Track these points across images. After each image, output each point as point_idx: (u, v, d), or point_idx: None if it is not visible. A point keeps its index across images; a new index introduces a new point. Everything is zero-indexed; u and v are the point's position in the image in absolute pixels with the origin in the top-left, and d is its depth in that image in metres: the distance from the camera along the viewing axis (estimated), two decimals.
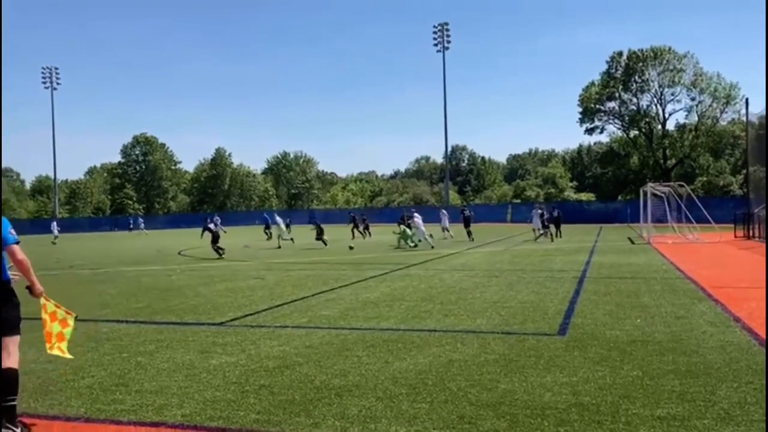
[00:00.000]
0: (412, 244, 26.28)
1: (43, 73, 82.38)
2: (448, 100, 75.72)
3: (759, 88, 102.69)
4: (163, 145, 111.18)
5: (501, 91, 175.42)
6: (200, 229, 28.91)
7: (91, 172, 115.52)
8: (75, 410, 5.18)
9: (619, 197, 76.78)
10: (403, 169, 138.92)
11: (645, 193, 31.29)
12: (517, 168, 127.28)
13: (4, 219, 4.78)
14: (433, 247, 25.14)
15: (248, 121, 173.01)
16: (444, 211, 34.27)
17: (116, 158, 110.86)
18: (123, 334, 8.52)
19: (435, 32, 74.54)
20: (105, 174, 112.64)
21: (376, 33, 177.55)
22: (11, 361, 4.64)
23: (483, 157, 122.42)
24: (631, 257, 19.30)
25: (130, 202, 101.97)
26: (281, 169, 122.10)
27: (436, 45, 74.54)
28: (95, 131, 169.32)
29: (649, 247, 24.15)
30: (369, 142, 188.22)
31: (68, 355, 5.34)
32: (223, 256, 22.96)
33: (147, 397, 5.50)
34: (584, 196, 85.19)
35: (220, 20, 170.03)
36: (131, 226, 66.76)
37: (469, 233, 31.45)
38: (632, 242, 27.85)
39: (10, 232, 4.79)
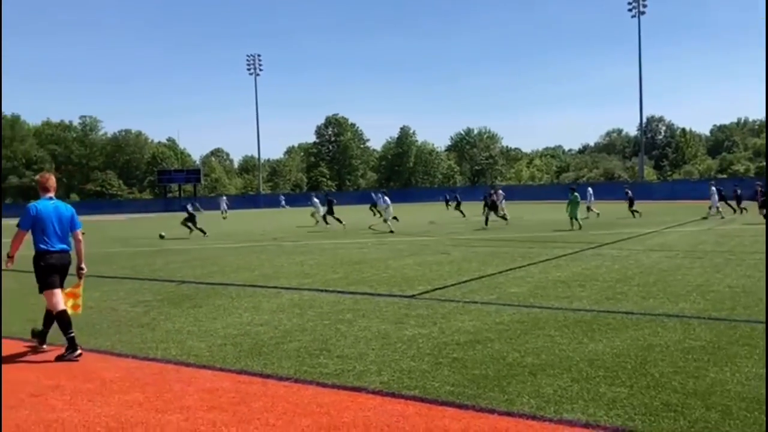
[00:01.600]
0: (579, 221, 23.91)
1: (247, 60, 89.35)
2: (643, 69, 70.62)
3: None
4: (353, 125, 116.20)
5: (703, 53, 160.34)
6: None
7: (289, 151, 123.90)
8: (285, 371, 5.65)
9: None
10: (592, 143, 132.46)
11: None
12: (722, 140, 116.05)
13: (73, 209, 6.90)
14: (392, 232, 23.98)
15: (432, 99, 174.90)
16: (714, 188, 31.37)
17: (311, 138, 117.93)
18: (323, 302, 9.12)
19: None
20: (302, 153, 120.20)
21: None
22: (64, 306, 6.60)
23: (683, 129, 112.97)
24: None
25: (324, 179, 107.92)
26: (464, 145, 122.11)
27: (630, 10, 69.84)
28: (293, 113, 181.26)
29: None
30: (555, 116, 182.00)
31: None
32: (191, 232, 25.28)
33: (348, 362, 5.85)
34: None
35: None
36: (282, 203, 70.56)
37: (633, 213, 30.41)
38: None
39: (78, 220, 6.93)
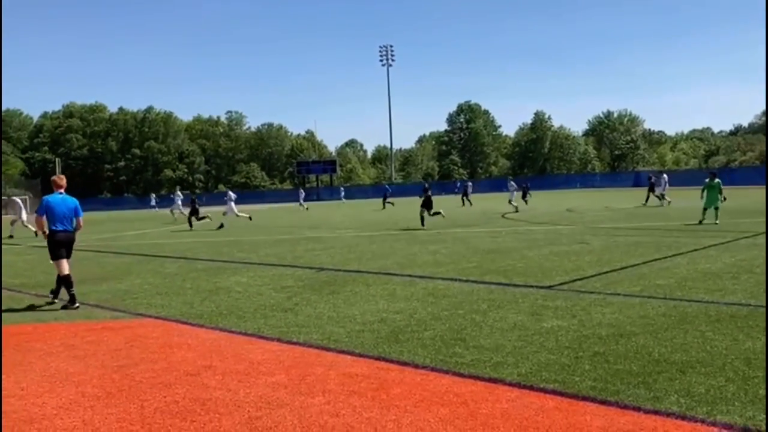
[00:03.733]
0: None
1: (380, 51, 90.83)
2: None
3: None
4: (485, 111, 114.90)
5: None
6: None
7: (421, 140, 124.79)
8: (422, 359, 5.72)
9: None
10: (746, 124, 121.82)
11: None
12: None
13: (77, 201, 9.32)
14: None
15: (567, 82, 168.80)
16: (665, 176, 32.70)
17: (443, 126, 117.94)
18: (457, 291, 9.12)
19: None
20: (433, 142, 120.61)
21: None
22: (68, 270, 9.01)
23: None
24: None
25: (456, 167, 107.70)
26: (603, 129, 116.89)
27: None
28: (425, 102, 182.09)
29: None
30: (702, 94, 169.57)
31: None
32: (192, 227, 26.20)
33: (484, 353, 5.82)
34: None
35: None
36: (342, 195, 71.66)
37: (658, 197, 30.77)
38: None
39: (81, 210, 9.42)
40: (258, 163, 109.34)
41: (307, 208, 47.93)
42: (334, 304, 8.54)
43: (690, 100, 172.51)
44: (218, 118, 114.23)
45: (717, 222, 19.25)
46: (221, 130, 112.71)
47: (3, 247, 19.02)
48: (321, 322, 7.39)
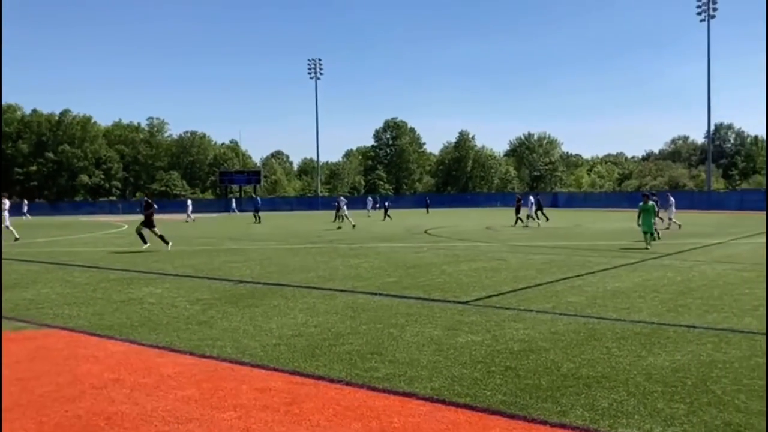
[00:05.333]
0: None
1: (308, 64, 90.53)
2: (711, 73, 68.16)
3: None
4: (412, 129, 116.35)
5: None
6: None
7: (347, 154, 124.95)
8: (337, 373, 5.69)
9: None
10: (657, 150, 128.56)
11: None
12: None
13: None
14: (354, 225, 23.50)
15: (491, 104, 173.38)
16: (532, 198, 34.79)
17: (370, 142, 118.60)
18: (377, 305, 9.15)
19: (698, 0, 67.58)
20: (360, 156, 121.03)
21: (627, 2, 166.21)
22: None
23: (754, 136, 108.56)
24: None
25: (381, 182, 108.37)
26: (524, 150, 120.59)
27: (699, 14, 67.64)
28: (352, 118, 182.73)
29: None
30: (618, 121, 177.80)
31: None
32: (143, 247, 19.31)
33: (399, 367, 5.85)
34: None
35: (461, 3, 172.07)
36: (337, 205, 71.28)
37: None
38: None
39: None
40: (179, 171, 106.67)
41: (194, 220, 44.76)
42: (251, 317, 8.39)
43: (605, 127, 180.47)
44: (138, 124, 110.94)
45: (648, 247, 18.39)
46: (141, 137, 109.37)
47: None
48: (236, 336, 7.25)
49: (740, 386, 5.21)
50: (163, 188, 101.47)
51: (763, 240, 21.85)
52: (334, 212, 41.25)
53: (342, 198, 36.30)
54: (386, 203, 48.49)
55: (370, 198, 55.80)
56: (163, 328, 7.75)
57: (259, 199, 51.56)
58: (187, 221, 43.77)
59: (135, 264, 15.36)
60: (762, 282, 11.29)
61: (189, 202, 50.29)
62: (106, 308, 9.14)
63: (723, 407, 4.71)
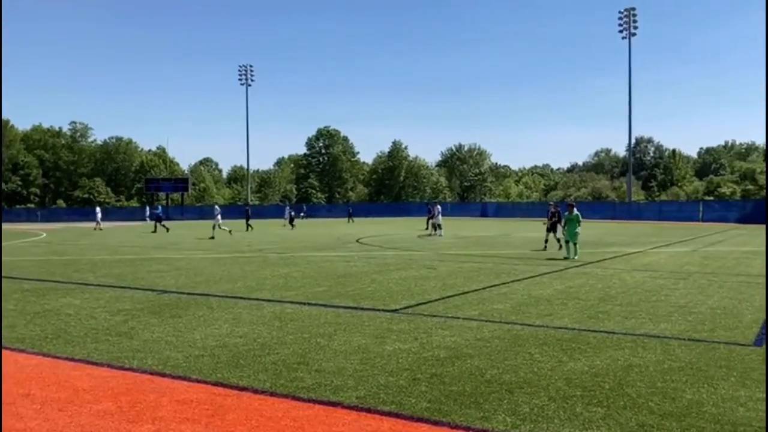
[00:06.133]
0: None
1: (239, 70, 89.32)
2: (633, 90, 71.19)
3: None
4: (345, 138, 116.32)
5: (690, 78, 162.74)
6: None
7: (279, 162, 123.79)
8: (261, 384, 5.60)
9: None
10: (581, 162, 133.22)
11: None
12: (710, 162, 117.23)
13: None
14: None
15: (424, 115, 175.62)
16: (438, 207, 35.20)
17: (302, 150, 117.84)
18: (305, 315, 9.06)
19: (620, 18, 70.57)
20: (292, 165, 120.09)
21: (553, 20, 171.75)
22: None
23: (672, 150, 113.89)
24: None
25: (314, 191, 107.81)
26: (455, 161, 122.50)
27: (621, 31, 70.59)
28: (284, 125, 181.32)
29: None
30: (544, 134, 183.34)
31: None
32: None
33: (326, 377, 5.80)
34: None
35: (395, 16, 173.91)
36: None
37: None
38: None
39: None
40: (103, 178, 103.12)
41: (101, 229, 43.08)
42: (175, 327, 8.16)
43: (532, 139, 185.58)
44: (60, 128, 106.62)
45: (576, 257, 18.15)
46: (63, 142, 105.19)
47: None
48: (158, 347, 7.03)
49: (654, 389, 5.41)
50: (86, 195, 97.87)
51: (678, 249, 22.92)
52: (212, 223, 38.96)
53: (217, 207, 35.77)
54: (302, 212, 47.76)
55: (288, 207, 54.22)
56: (80, 340, 7.44)
57: (160, 207, 49.97)
58: (95, 229, 42.41)
59: (53, 274, 14.72)
60: (676, 289, 11.82)
61: (98, 209, 48.73)
62: (19, 320, 8.71)
63: (638, 410, 4.88)
